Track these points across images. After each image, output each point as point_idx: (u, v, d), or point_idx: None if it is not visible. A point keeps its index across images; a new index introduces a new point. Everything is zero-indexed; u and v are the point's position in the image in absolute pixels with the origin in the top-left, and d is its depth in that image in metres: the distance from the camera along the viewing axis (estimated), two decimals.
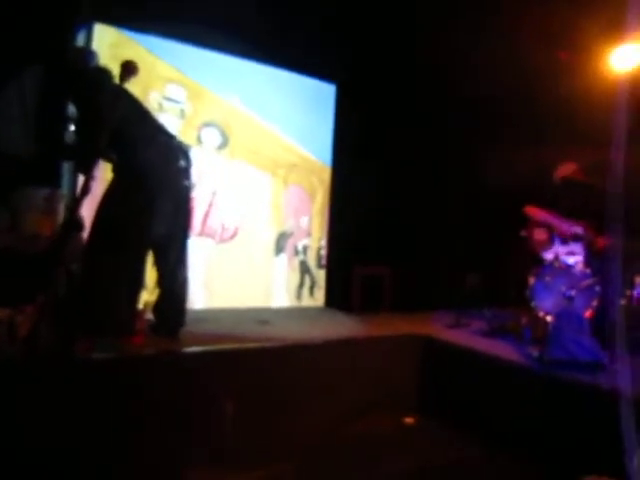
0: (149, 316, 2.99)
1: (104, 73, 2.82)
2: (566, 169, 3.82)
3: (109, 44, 3.80)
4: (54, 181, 3.34)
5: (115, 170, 2.81)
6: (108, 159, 2.80)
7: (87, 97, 2.73)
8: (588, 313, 3.12)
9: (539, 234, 3.64)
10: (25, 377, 2.12)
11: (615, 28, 3.57)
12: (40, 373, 2.14)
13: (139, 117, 2.87)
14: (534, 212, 3.70)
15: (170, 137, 2.96)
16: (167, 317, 2.97)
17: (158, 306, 2.99)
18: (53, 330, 2.18)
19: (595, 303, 3.18)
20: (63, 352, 2.17)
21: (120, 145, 2.68)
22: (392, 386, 3.30)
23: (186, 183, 2.99)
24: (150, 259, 2.92)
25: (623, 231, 3.03)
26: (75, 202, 2.07)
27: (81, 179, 2.62)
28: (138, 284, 2.76)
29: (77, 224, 2.09)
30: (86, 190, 2.05)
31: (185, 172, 2.98)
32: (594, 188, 3.54)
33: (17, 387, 2.10)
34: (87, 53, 3.08)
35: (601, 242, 3.41)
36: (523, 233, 3.77)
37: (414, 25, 4.65)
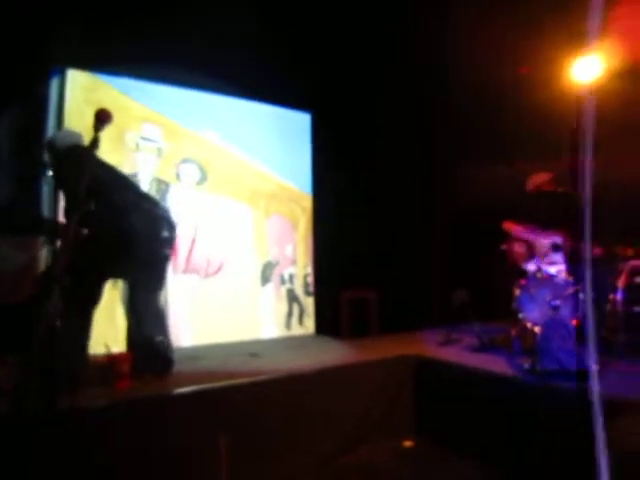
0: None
1: (81, 150, 2.80)
2: (538, 179, 3.90)
3: (83, 88, 3.83)
4: (34, 228, 3.32)
5: (95, 235, 2.70)
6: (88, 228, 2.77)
7: (65, 176, 2.75)
8: (574, 321, 3.15)
9: (519, 247, 3.70)
10: (11, 431, 2.06)
11: (575, 40, 3.69)
12: (26, 427, 2.08)
13: (121, 185, 2.86)
14: (512, 227, 3.76)
15: (154, 204, 2.95)
16: (151, 359, 2.89)
17: (137, 350, 2.90)
18: (35, 384, 2.13)
19: (580, 310, 3.21)
20: (46, 405, 2.12)
21: (102, 212, 2.65)
22: (388, 410, 3.27)
23: (167, 253, 2.96)
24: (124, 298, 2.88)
25: (600, 237, 3.07)
26: (55, 259, 2.07)
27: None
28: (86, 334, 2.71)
29: (57, 279, 2.07)
30: (66, 250, 2.05)
31: (168, 243, 2.95)
32: (567, 196, 3.61)
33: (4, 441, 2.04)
34: (65, 135, 3.06)
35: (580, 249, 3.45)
36: (503, 247, 3.82)
37: (383, 50, 4.77)
